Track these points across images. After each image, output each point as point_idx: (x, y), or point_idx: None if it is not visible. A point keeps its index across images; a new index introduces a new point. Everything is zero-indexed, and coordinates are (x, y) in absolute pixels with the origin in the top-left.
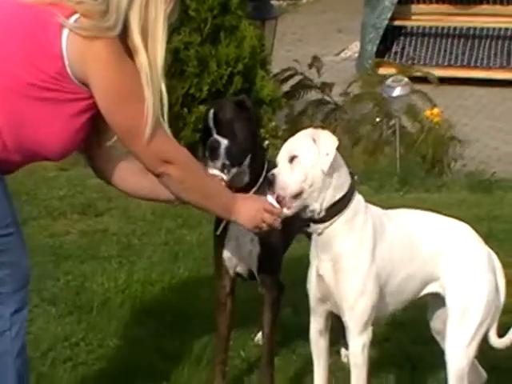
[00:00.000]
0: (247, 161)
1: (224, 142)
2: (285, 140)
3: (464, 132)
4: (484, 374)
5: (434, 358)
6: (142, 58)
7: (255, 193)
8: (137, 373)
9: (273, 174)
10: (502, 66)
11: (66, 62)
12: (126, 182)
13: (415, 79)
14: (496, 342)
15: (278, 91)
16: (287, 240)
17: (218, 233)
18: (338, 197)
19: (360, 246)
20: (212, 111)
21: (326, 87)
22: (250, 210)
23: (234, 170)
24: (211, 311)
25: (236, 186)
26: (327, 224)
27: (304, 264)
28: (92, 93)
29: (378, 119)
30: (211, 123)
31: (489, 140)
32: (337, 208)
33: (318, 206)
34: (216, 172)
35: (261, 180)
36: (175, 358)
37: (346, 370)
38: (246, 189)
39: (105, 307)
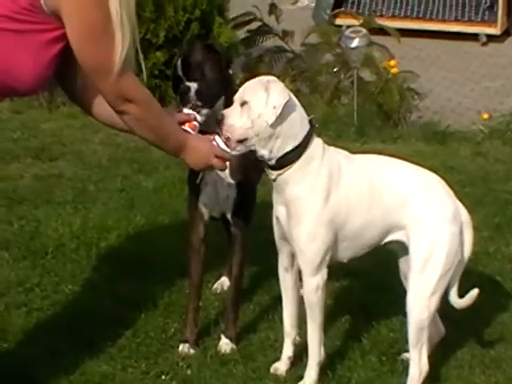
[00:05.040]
0: (220, 103)
1: (193, 85)
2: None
3: (418, 83)
4: (443, 329)
5: (388, 306)
6: None
7: None
8: (92, 318)
9: (222, 114)
10: (456, 19)
11: None
12: (102, 111)
13: (373, 30)
14: (456, 301)
15: (235, 38)
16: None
17: (198, 181)
18: (290, 147)
19: (312, 193)
20: (180, 59)
21: (286, 35)
22: (199, 154)
23: (204, 111)
24: (167, 258)
25: (210, 129)
26: (280, 171)
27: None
28: (64, 25)
29: (335, 69)
30: (180, 72)
31: (442, 91)
32: (289, 158)
33: (266, 153)
34: (189, 111)
35: None
36: (131, 304)
37: None
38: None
39: (59, 253)
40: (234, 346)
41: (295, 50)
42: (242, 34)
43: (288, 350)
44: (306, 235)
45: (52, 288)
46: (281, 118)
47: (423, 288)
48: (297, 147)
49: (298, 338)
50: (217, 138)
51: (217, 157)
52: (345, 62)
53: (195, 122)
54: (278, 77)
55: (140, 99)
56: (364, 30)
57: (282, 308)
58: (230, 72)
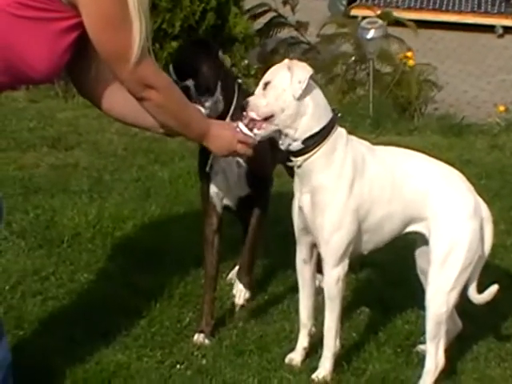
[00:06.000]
0: (218, 89)
1: (190, 83)
2: (257, 78)
3: (434, 75)
4: (460, 324)
5: (405, 299)
6: None
7: (231, 117)
8: (108, 308)
9: (247, 100)
10: (472, 10)
11: None
12: (113, 106)
13: (389, 22)
14: (475, 296)
15: (251, 29)
16: (274, 156)
17: (208, 169)
18: (315, 129)
19: (337, 181)
20: (171, 65)
21: (300, 26)
22: (222, 141)
23: (208, 104)
24: (183, 248)
25: (213, 116)
26: (306, 157)
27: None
28: (80, 14)
29: (352, 59)
30: (174, 76)
31: (458, 83)
32: (314, 140)
33: (292, 132)
34: (194, 105)
35: (234, 103)
36: (147, 293)
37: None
38: (222, 115)
39: (75, 242)
40: (248, 293)
41: (310, 41)
42: (257, 24)
43: (303, 341)
44: (331, 225)
45: (67, 277)
46: (306, 91)
47: (443, 283)
48: (322, 129)
49: (313, 329)
50: (240, 124)
51: (240, 142)
52: (361, 53)
53: None
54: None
55: (160, 85)
56: (380, 21)
57: (299, 299)
58: (220, 57)
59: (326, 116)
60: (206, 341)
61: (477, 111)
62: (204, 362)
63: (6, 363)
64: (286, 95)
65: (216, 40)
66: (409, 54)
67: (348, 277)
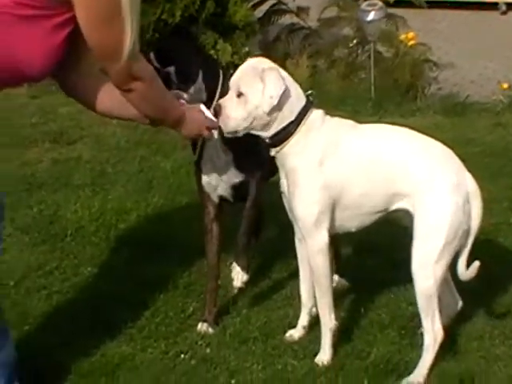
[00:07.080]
0: (200, 77)
1: (171, 69)
2: None
3: (437, 55)
4: (459, 301)
5: (407, 281)
6: None
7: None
8: (112, 300)
9: (219, 105)
10: None
11: None
12: (101, 101)
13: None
14: (462, 272)
15: (252, 16)
16: None
17: (195, 159)
18: (283, 125)
19: (306, 161)
20: (152, 53)
21: (301, 12)
22: (195, 124)
23: (191, 90)
24: (186, 238)
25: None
26: (278, 148)
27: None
28: (72, 8)
29: (353, 42)
30: (156, 63)
31: (462, 62)
32: (283, 134)
33: (261, 132)
34: (178, 92)
35: (218, 91)
36: (151, 284)
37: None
38: (206, 104)
39: (79, 235)
40: (246, 276)
41: (311, 26)
42: (258, 12)
43: (303, 320)
44: (302, 202)
45: (71, 271)
46: (277, 105)
47: (427, 256)
48: (291, 123)
49: (314, 310)
50: (202, 106)
51: (207, 128)
52: (361, 36)
53: (182, 101)
54: (294, 55)
55: (147, 76)
56: (380, 3)
57: (299, 279)
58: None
59: (296, 108)
60: (210, 329)
61: (480, 89)
62: (208, 350)
63: (11, 359)
64: (257, 111)
65: (216, 28)
66: (410, 34)
67: (347, 262)
